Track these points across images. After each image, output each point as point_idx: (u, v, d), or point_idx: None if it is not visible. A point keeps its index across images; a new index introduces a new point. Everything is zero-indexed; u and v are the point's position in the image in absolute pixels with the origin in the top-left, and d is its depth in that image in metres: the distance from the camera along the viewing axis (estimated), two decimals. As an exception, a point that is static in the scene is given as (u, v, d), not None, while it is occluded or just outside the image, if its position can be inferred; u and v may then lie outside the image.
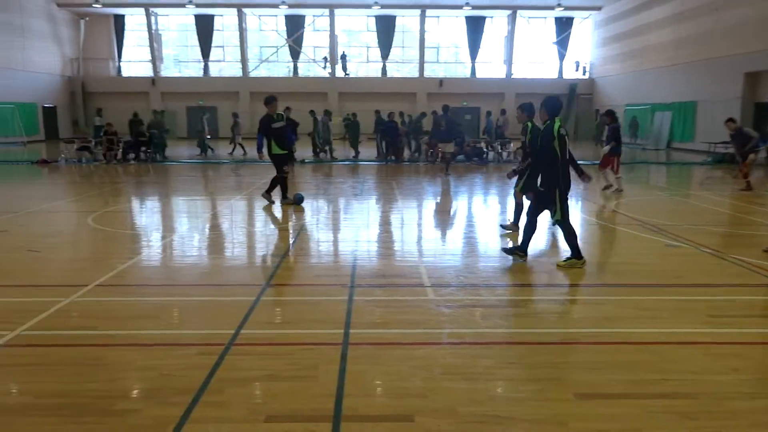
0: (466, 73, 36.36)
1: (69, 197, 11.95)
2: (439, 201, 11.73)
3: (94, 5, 31.83)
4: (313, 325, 4.49)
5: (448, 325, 4.52)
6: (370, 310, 4.86)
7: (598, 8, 33.48)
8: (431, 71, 36.34)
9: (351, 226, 8.78)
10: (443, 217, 10.02)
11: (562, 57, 35.91)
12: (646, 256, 6.86)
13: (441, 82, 34.71)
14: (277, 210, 9.96)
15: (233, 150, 22.24)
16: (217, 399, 3.34)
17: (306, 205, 10.93)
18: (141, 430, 3.01)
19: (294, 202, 10.16)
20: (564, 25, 35.54)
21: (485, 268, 6.28)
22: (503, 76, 35.51)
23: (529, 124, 7.04)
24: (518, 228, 7.68)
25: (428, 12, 34.20)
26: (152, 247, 7.42)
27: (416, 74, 35.50)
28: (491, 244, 7.64)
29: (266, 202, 10.34)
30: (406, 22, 35.75)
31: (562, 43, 35.80)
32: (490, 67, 36.32)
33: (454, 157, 17.15)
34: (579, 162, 6.57)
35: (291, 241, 7.64)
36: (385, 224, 9.13)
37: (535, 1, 33.08)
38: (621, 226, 8.72)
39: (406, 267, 6.32)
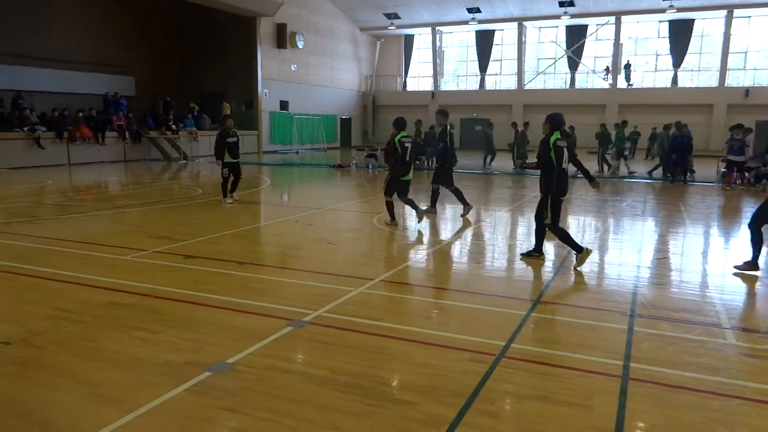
0: (783, 80, 30.72)
1: (358, 198, 13.47)
2: (742, 229, 10.07)
3: (389, 28, 35.53)
4: (587, 350, 4.23)
5: (755, 378, 3.81)
6: (655, 345, 4.37)
7: None
8: (733, 80, 31.62)
9: (630, 249, 8.09)
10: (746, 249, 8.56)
11: None
12: None
13: (747, 91, 29.91)
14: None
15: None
16: (488, 408, 3.36)
17: (579, 223, 10.48)
18: (417, 423, 3.19)
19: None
20: None
21: (806, 317, 5.16)
22: (836, 82, 29.06)
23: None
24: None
25: (736, 12, 29.81)
26: (427, 250, 7.88)
27: (714, 83, 31.24)
28: (814, 287, 6.26)
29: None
30: (706, 25, 31.72)
31: None
32: (818, 72, 30.05)
33: None
34: None
35: (563, 259, 7.35)
36: (671, 250, 8.19)
37: None
38: None
39: (698, 302, 5.55)
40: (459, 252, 7.89)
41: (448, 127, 10.08)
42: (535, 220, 7.07)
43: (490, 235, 9.31)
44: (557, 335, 4.61)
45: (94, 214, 10.54)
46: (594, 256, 7.72)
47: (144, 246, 7.51)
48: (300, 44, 30.82)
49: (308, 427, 3.14)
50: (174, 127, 24.87)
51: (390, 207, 9.42)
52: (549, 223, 6.82)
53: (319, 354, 4.12)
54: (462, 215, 10.16)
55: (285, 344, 4.30)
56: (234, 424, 3.19)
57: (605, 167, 19.88)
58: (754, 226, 6.54)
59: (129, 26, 26.06)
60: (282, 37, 29.52)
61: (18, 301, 5.38)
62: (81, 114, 21.60)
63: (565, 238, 6.79)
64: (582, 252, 6.65)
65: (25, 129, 19.62)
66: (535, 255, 7.11)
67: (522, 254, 7.27)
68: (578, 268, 6.64)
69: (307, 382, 3.66)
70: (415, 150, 10.09)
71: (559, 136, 6.64)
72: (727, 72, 30.89)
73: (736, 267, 6.64)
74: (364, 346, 4.26)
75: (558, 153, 6.58)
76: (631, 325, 4.76)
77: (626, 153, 19.85)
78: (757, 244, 6.48)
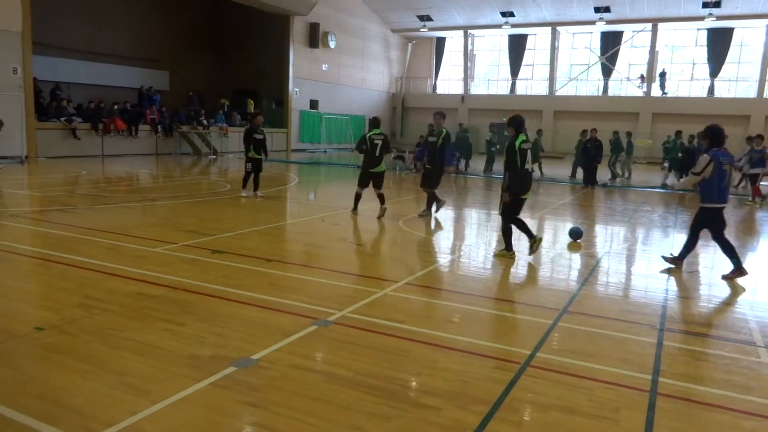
0: (827, 92, 29.75)
1: (386, 200, 13.44)
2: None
3: (421, 30, 35.48)
4: (615, 363, 4.15)
5: (790, 400, 3.70)
6: (684, 360, 4.28)
7: None
8: (772, 91, 30.74)
9: (661, 261, 7.92)
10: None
11: None
12: None
13: (786, 103, 29.12)
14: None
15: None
16: (512, 417, 3.32)
17: (608, 232, 10.33)
18: (440, 429, 3.16)
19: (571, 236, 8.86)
20: None
21: None
22: None
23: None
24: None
25: (778, 21, 29.02)
26: (452, 255, 7.84)
27: (753, 94, 30.46)
28: None
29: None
30: (746, 34, 30.94)
31: None
32: None
33: None
34: None
35: (591, 269, 7.24)
36: (705, 264, 8.01)
37: None
38: None
39: (730, 318, 5.42)
40: (484, 258, 7.82)
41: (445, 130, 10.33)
42: (513, 223, 7.45)
43: (516, 242, 9.21)
44: (584, 346, 4.54)
45: (125, 205, 10.74)
46: (622, 267, 7.60)
47: (173, 239, 7.62)
48: (332, 44, 30.99)
49: (330, 426, 3.14)
50: (205, 122, 25.23)
51: (356, 198, 10.34)
52: (500, 214, 7.43)
53: (343, 354, 4.13)
54: (420, 215, 10.45)
55: (310, 343, 4.32)
56: (257, 420, 3.21)
57: (624, 173, 19.76)
58: (719, 240, 6.82)
59: (165, 22, 26.53)
60: (314, 37, 29.71)
61: (51, 288, 5.52)
62: (116, 107, 22.05)
63: (506, 232, 7.40)
64: (509, 251, 7.37)
65: (62, 119, 20.11)
66: (508, 253, 7.44)
67: (495, 253, 7.61)
68: (495, 257, 7.45)
69: (331, 381, 3.67)
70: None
71: (524, 139, 7.15)
72: (767, 83, 30.11)
73: (723, 276, 6.83)
74: (388, 349, 4.25)
75: (522, 155, 7.06)
76: (661, 339, 4.66)
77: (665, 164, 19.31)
78: (729, 251, 6.77)
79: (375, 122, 10.46)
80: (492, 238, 9.19)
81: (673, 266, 7.12)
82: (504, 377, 3.81)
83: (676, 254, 7.22)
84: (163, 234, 8.03)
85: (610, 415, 3.40)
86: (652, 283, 6.69)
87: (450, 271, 7.02)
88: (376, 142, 9.98)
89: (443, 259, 7.57)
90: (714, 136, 6.74)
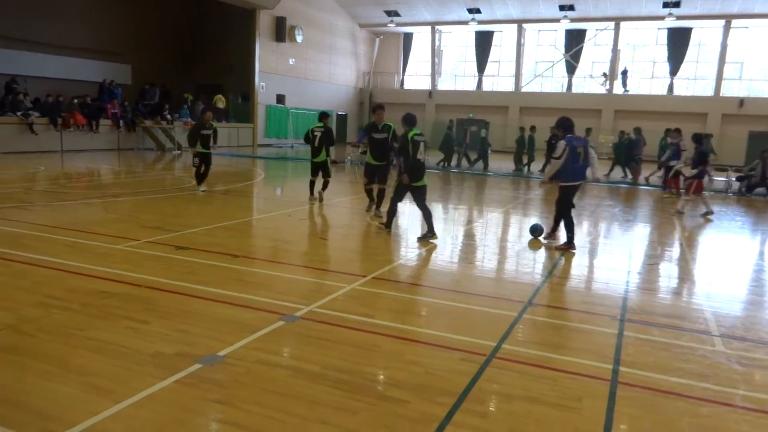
0: (779, 91, 30.87)
1: (352, 195, 13.44)
2: (741, 240, 10.16)
3: (389, 25, 35.47)
4: (577, 353, 4.25)
5: (742, 386, 3.84)
6: (644, 350, 4.40)
7: None
8: (728, 89, 31.75)
9: (622, 254, 8.14)
10: (743, 258, 8.64)
11: None
12: None
13: (742, 102, 30.11)
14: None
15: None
16: (478, 408, 3.38)
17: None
18: (407, 421, 3.19)
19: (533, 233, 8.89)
20: None
21: (794, 327, 5.21)
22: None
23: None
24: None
25: (734, 23, 29.97)
26: (421, 249, 7.89)
27: (710, 93, 31.40)
28: (802, 298, 6.31)
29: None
30: (704, 34, 31.87)
31: None
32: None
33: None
34: None
35: (554, 263, 7.38)
36: (664, 257, 8.25)
37: None
38: None
39: (687, 309, 5.60)
40: (451, 252, 7.90)
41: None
42: (391, 202, 8.44)
43: (482, 236, 9.33)
44: (548, 337, 4.63)
45: (85, 202, 10.47)
46: (584, 260, 7.76)
47: (136, 236, 7.47)
48: (299, 38, 30.73)
49: (297, 421, 3.14)
50: (169, 117, 24.75)
51: (310, 185, 11.27)
52: (394, 198, 8.31)
53: (310, 349, 4.12)
54: (367, 210, 10.40)
55: (276, 338, 4.30)
56: (223, 417, 3.18)
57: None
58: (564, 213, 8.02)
59: (128, 14, 25.86)
60: (281, 31, 29.40)
61: (7, 288, 5.34)
62: (75, 101, 21.44)
63: (391, 213, 8.41)
64: (388, 228, 8.41)
65: (19, 114, 19.46)
66: (429, 235, 8.14)
67: (418, 237, 8.24)
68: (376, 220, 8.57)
69: (298, 376, 3.66)
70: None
71: (417, 132, 8.01)
72: (723, 81, 31.08)
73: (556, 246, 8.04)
74: (355, 343, 4.27)
75: (414, 145, 7.85)
76: (621, 330, 4.79)
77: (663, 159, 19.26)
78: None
79: (320, 116, 11.26)
80: (459, 232, 9.28)
81: (563, 247, 7.94)
82: (470, 369, 3.86)
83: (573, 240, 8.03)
84: (125, 231, 7.86)
85: (573, 404, 3.48)
86: (614, 276, 6.86)
87: (417, 265, 7.06)
88: (315, 133, 10.84)
89: (411, 253, 7.61)
90: (565, 125, 7.79)
